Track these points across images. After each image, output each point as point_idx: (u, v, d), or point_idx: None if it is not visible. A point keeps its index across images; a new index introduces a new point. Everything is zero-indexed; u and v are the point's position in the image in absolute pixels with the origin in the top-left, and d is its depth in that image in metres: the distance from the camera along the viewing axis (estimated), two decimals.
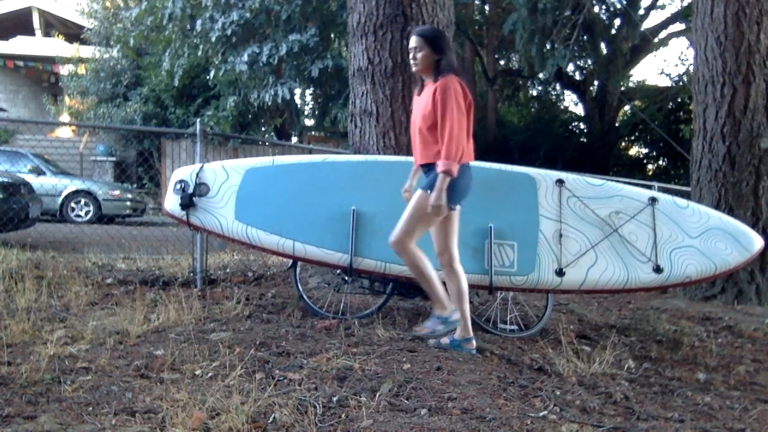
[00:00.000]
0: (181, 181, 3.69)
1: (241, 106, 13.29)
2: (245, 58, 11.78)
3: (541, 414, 2.24)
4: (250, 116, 14.18)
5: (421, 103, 3.04)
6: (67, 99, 17.01)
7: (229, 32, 11.78)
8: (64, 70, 16.92)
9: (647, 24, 16.23)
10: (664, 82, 19.39)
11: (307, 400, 2.21)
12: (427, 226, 3.00)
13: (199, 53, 12.57)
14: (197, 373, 2.57)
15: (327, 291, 4.08)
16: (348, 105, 4.88)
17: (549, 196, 3.53)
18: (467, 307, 3.08)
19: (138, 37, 13.28)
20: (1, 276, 4.17)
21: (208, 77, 13.07)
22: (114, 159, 15.46)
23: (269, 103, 12.42)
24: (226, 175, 3.67)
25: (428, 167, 3.02)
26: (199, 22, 11.96)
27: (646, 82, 20.43)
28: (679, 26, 16.12)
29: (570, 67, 16.64)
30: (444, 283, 3.11)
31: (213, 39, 11.94)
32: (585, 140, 18.41)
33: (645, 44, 15.94)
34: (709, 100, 5.77)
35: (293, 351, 2.89)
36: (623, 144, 19.28)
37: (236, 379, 2.39)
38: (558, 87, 20.12)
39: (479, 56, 17.73)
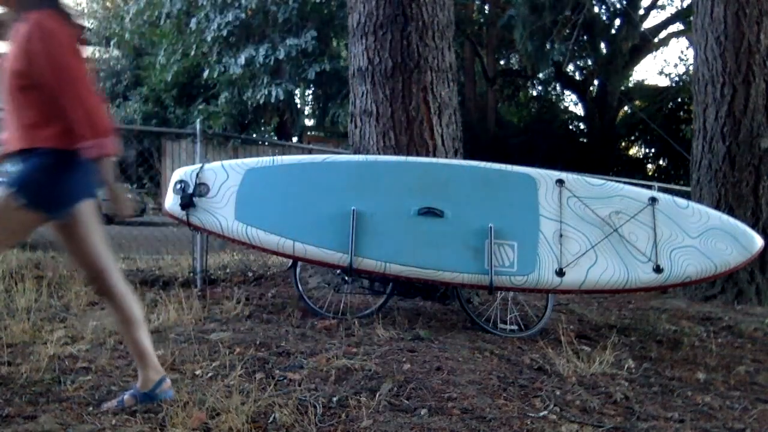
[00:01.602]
0: (181, 181, 3.69)
1: (239, 105, 13.29)
2: (242, 60, 11.79)
3: (541, 414, 2.24)
4: (249, 116, 14.18)
5: (9, 56, 1.95)
6: None
7: (225, 33, 11.79)
8: None
9: (647, 24, 16.26)
10: (664, 82, 19.42)
11: (307, 400, 2.21)
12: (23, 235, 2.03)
13: (192, 52, 12.59)
14: (197, 373, 2.57)
15: (327, 291, 4.09)
16: (348, 105, 4.89)
17: (549, 196, 3.52)
18: (144, 337, 2.19)
19: (134, 32, 13.30)
20: (1, 276, 4.17)
21: (204, 76, 13.08)
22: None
23: (262, 102, 12.43)
24: (226, 175, 3.67)
25: (27, 153, 1.96)
26: (194, 20, 11.98)
27: (646, 82, 20.45)
28: (679, 26, 16.13)
29: (570, 67, 16.66)
30: None
31: (208, 39, 11.96)
32: (585, 140, 18.41)
33: (645, 44, 15.95)
34: (709, 100, 5.76)
35: (293, 351, 2.89)
36: (623, 144, 19.29)
37: (236, 379, 2.39)
38: (558, 87, 20.13)
39: (479, 56, 17.74)
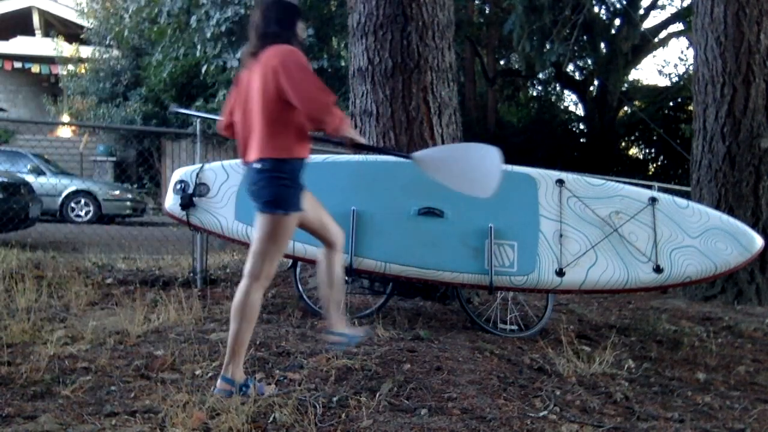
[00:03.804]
0: (181, 181, 3.69)
1: None
2: (239, 54, 11.77)
3: (541, 414, 2.24)
4: None
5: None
6: (68, 99, 17.02)
7: (223, 29, 11.75)
8: (64, 70, 16.92)
9: (647, 24, 16.24)
10: (664, 82, 19.41)
11: (307, 400, 2.21)
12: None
13: (197, 52, 12.57)
14: (197, 373, 2.57)
15: None
16: (347, 105, 4.88)
17: (549, 196, 3.52)
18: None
19: (133, 30, 13.27)
20: (1, 276, 4.17)
21: (203, 73, 13.04)
22: (114, 159, 15.45)
23: None
24: (226, 175, 3.67)
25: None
26: (194, 17, 11.96)
27: (646, 82, 20.44)
28: (679, 26, 16.12)
29: (570, 67, 16.65)
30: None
31: (207, 35, 11.92)
32: (585, 140, 18.41)
33: (645, 44, 15.94)
34: (709, 100, 5.76)
35: (293, 351, 2.89)
36: (623, 144, 19.28)
37: None
38: (558, 87, 20.13)
39: (479, 56, 17.73)
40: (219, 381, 2.32)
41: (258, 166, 2.36)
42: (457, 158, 2.77)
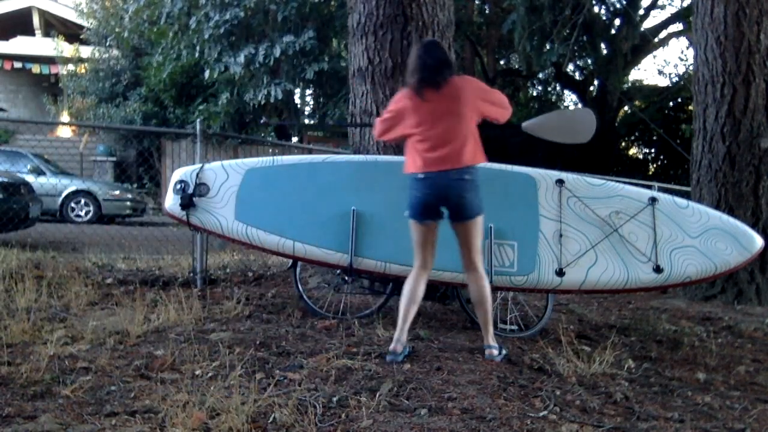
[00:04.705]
0: (181, 181, 3.69)
1: (236, 104, 13.26)
2: (241, 59, 11.77)
3: (541, 414, 2.24)
4: (249, 116, 14.18)
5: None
6: (68, 99, 17.02)
7: (222, 31, 11.75)
8: (64, 70, 16.92)
9: (647, 24, 16.23)
10: (664, 82, 19.40)
11: (307, 400, 2.21)
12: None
13: (196, 54, 12.57)
14: (197, 373, 2.57)
15: (327, 291, 4.08)
16: (347, 105, 4.88)
17: (549, 196, 3.52)
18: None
19: (133, 31, 13.28)
20: (1, 276, 4.17)
21: (204, 76, 13.05)
22: (114, 159, 15.45)
23: (262, 102, 12.40)
24: (226, 175, 3.67)
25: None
26: (193, 19, 11.96)
27: (646, 82, 20.42)
28: (679, 26, 16.11)
29: (570, 67, 16.63)
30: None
31: (206, 36, 11.93)
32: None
33: (645, 44, 15.93)
34: (709, 100, 5.76)
35: (293, 351, 2.89)
36: (623, 144, 19.26)
37: (236, 379, 2.39)
38: (558, 87, 20.10)
39: (479, 56, 17.71)
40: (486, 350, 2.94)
41: (466, 176, 2.87)
42: (559, 120, 3.81)
